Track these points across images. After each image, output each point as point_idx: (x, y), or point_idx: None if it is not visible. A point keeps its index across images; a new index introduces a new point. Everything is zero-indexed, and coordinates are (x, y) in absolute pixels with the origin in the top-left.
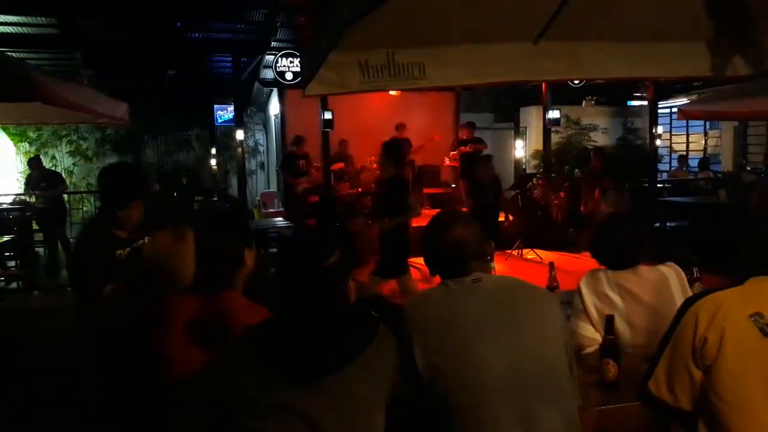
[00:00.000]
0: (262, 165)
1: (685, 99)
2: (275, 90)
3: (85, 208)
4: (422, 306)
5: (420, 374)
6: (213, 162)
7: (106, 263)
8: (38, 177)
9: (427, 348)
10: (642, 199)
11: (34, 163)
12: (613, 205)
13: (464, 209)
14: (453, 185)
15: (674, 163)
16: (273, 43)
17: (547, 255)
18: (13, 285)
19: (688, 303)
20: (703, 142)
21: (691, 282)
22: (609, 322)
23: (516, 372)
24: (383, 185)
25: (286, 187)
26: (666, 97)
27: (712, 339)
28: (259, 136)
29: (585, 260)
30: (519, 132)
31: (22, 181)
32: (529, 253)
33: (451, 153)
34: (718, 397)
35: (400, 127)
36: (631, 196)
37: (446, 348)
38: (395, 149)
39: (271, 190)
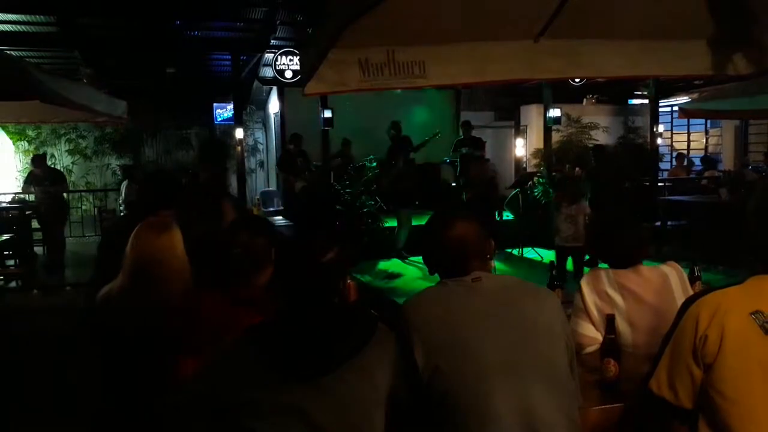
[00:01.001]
0: (261, 164)
1: (686, 97)
2: (275, 88)
3: (84, 207)
4: (422, 305)
5: (420, 373)
6: None
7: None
8: (41, 175)
9: (427, 347)
10: (642, 199)
11: (38, 160)
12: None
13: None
14: (453, 184)
15: (675, 162)
16: (272, 42)
17: (547, 254)
18: (13, 284)
19: (689, 302)
20: (704, 140)
21: (692, 281)
22: (610, 321)
23: (516, 371)
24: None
25: (285, 186)
26: (667, 96)
27: (713, 337)
28: (259, 135)
29: (585, 259)
30: (519, 130)
31: (21, 179)
32: (529, 252)
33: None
34: (719, 395)
35: (396, 125)
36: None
37: (446, 347)
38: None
39: (270, 188)
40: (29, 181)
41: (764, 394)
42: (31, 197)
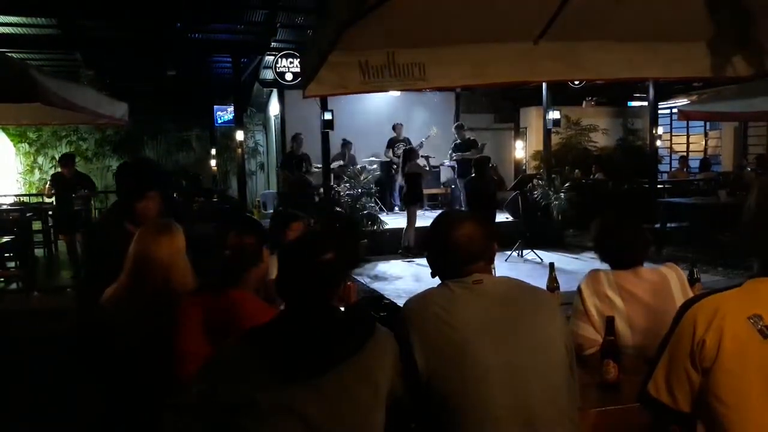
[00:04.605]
0: (261, 165)
1: (686, 100)
2: (275, 90)
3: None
4: (422, 306)
5: (419, 375)
6: (213, 163)
7: (114, 260)
8: (69, 178)
9: (427, 349)
10: (641, 200)
11: (65, 160)
12: None
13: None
14: (452, 186)
15: (675, 164)
16: (273, 44)
17: (546, 255)
18: (13, 285)
19: (686, 305)
20: (704, 142)
21: (692, 283)
22: (609, 323)
23: (516, 374)
24: None
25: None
26: (666, 98)
27: (711, 342)
28: (259, 137)
29: (585, 260)
30: (519, 132)
31: (22, 180)
32: (529, 254)
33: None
34: (718, 400)
35: (397, 126)
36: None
37: (445, 349)
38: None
39: (270, 190)
40: (55, 184)
41: (763, 399)
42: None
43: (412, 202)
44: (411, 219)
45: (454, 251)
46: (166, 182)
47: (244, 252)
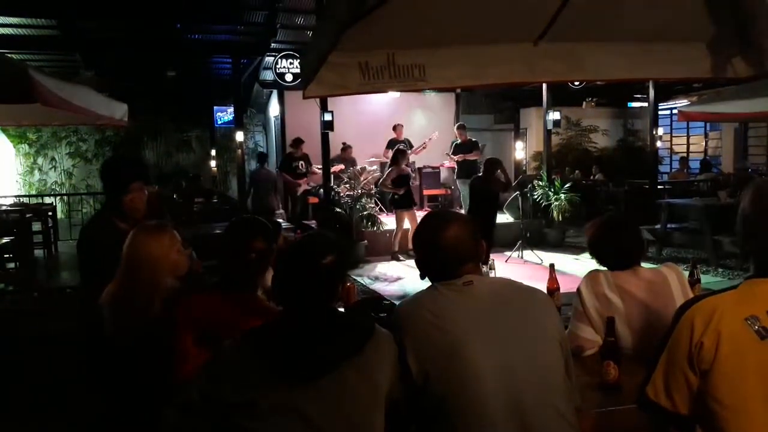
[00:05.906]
0: None
1: (686, 100)
2: (275, 91)
3: (84, 210)
4: (413, 311)
5: (414, 379)
6: (213, 163)
7: (107, 259)
8: None
9: (419, 353)
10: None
11: None
12: None
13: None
14: (452, 187)
15: (675, 164)
16: (273, 45)
17: (547, 256)
18: (12, 287)
19: (684, 308)
20: (704, 143)
21: (692, 283)
22: (609, 323)
23: (510, 374)
24: None
25: (285, 188)
26: (666, 99)
27: (708, 344)
28: (259, 138)
29: (585, 261)
30: (519, 133)
31: (22, 182)
32: (529, 255)
33: (451, 155)
34: (716, 402)
35: (397, 127)
36: None
37: (436, 353)
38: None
39: None
40: None
41: (761, 401)
42: None
43: (398, 206)
44: (398, 223)
45: (443, 253)
46: (148, 174)
47: (266, 257)
